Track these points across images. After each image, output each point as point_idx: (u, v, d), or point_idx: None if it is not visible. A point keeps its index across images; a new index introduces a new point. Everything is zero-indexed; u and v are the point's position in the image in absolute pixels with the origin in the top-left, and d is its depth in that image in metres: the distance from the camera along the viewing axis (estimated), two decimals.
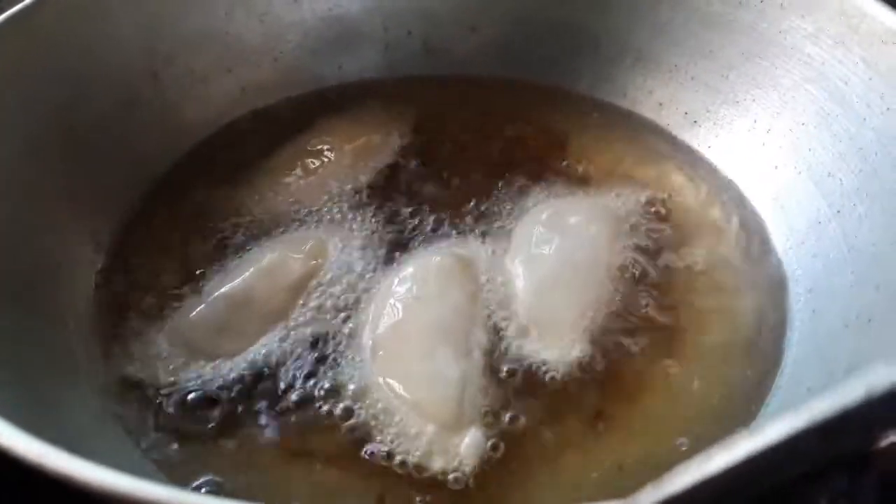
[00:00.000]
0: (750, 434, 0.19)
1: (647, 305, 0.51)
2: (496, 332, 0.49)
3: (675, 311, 0.51)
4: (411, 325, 0.48)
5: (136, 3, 0.58)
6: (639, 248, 0.54)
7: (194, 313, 0.49)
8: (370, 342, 0.48)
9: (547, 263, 0.52)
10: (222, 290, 0.50)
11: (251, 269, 0.51)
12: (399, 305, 0.49)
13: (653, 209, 0.57)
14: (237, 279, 0.50)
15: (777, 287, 0.52)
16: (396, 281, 0.50)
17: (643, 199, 0.57)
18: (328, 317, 0.49)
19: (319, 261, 0.52)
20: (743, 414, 0.46)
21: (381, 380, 0.46)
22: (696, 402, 0.47)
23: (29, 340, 0.45)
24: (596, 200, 0.57)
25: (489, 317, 0.49)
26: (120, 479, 0.29)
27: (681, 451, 0.44)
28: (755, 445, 0.19)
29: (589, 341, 0.48)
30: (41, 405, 0.41)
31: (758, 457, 0.18)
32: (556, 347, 0.48)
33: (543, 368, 0.47)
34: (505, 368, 0.47)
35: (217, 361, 0.47)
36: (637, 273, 0.52)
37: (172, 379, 0.47)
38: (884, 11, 0.49)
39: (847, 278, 0.48)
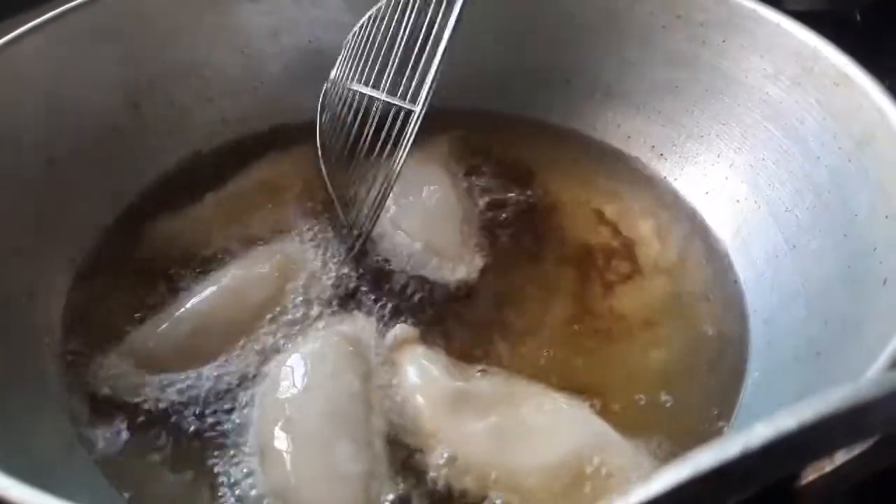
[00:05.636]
0: (644, 484, 0.21)
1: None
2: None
3: (636, 339, 0.52)
4: (301, 422, 0.44)
5: (118, 35, 0.60)
6: (602, 278, 0.56)
7: (158, 331, 0.51)
8: (259, 449, 0.44)
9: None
10: (185, 307, 0.51)
11: (212, 288, 0.53)
12: (286, 402, 0.45)
13: (619, 237, 0.59)
14: (198, 299, 0.52)
15: (737, 318, 0.54)
16: (281, 373, 0.47)
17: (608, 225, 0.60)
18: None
19: (283, 277, 0.54)
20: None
21: (275, 492, 0.42)
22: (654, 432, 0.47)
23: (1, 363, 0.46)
24: (429, 154, 0.62)
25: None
26: None
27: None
28: (647, 493, 0.20)
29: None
30: (8, 428, 0.42)
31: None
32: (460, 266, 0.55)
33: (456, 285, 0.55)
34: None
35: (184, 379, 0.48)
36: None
37: (139, 400, 0.48)
38: (835, 54, 0.51)
39: (800, 312, 0.49)
